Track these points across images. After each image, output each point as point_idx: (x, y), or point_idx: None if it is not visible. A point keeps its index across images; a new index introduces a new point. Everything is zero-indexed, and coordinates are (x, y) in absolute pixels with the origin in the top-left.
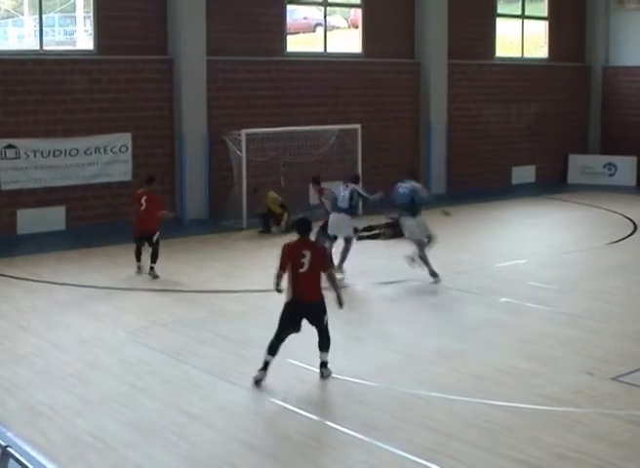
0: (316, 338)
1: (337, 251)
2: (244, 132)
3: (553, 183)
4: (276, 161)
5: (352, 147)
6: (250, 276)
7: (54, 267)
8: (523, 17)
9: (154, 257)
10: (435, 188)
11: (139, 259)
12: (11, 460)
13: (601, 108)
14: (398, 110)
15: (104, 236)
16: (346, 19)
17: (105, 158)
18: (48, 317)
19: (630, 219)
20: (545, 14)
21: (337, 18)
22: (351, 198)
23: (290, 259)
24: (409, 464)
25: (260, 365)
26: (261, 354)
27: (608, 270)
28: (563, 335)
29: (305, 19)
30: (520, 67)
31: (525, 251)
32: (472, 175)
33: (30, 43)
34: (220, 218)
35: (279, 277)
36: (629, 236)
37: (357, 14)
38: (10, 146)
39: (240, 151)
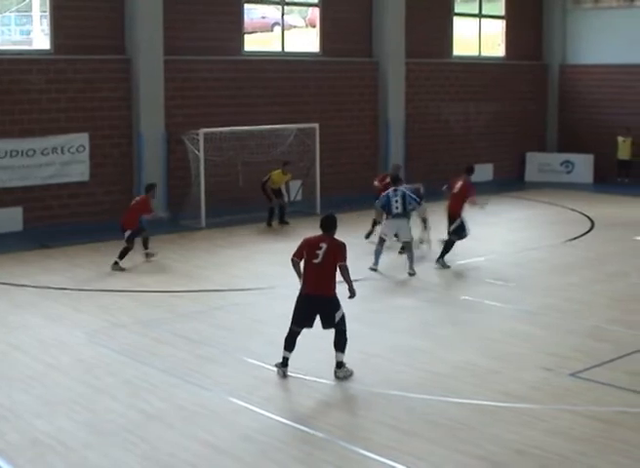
0: (275, 337)
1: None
2: (202, 131)
3: (511, 181)
4: (234, 160)
5: (311, 146)
6: (209, 276)
7: (11, 268)
8: (480, 16)
9: (121, 253)
10: None
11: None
12: None
13: (558, 106)
14: (357, 109)
15: (62, 237)
16: (304, 19)
17: (63, 158)
18: (6, 319)
19: (588, 217)
20: (502, 13)
21: (294, 17)
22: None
23: (306, 249)
24: (370, 462)
25: (281, 361)
26: (220, 354)
27: (565, 267)
28: (521, 332)
29: (263, 18)
30: (478, 66)
31: (483, 248)
32: (430, 173)
33: None
34: (178, 218)
35: (296, 264)
36: (586, 233)
37: (315, 13)
38: None
39: (198, 151)
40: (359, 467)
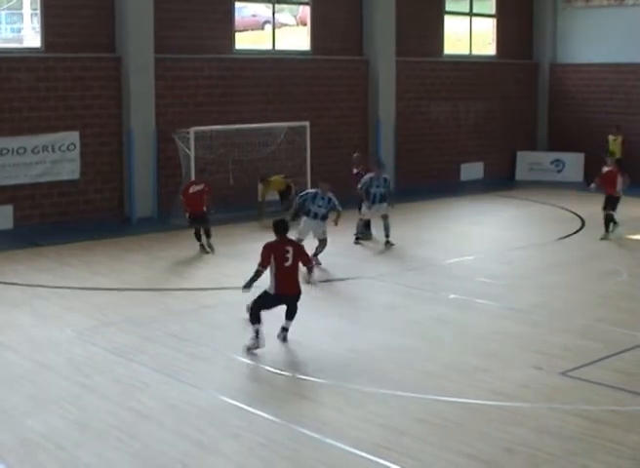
0: (266, 336)
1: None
2: (192, 130)
3: (501, 180)
4: (225, 159)
5: (301, 144)
6: (200, 274)
7: (1, 267)
8: (471, 14)
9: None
10: None
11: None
12: None
13: (548, 105)
14: (347, 107)
15: (53, 235)
16: (295, 17)
17: (53, 156)
18: None
19: (578, 215)
20: (493, 11)
21: (285, 15)
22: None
23: (273, 256)
24: (360, 460)
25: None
26: (211, 352)
27: (555, 266)
28: (511, 331)
29: (254, 16)
30: (468, 65)
31: (473, 247)
32: (421, 171)
33: None
34: (168, 217)
35: (259, 274)
36: (577, 232)
37: (305, 11)
38: None
39: (189, 149)
40: (348, 466)
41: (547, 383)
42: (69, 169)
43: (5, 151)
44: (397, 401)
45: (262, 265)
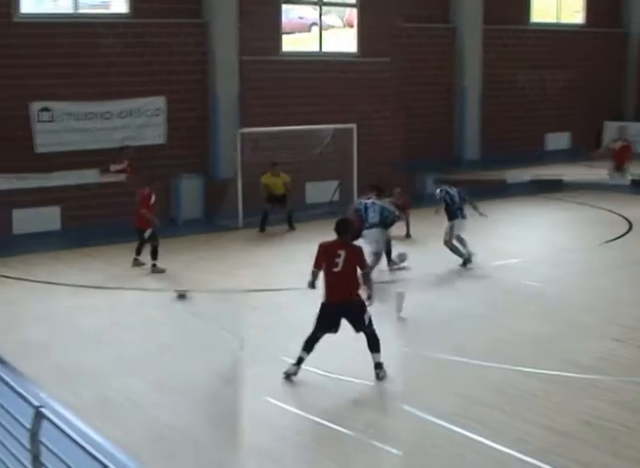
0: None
1: None
2: (239, 132)
3: (588, 150)
4: (271, 161)
5: (347, 147)
6: (246, 275)
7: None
8: None
9: (153, 254)
10: (469, 154)
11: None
12: (45, 421)
13: (637, 75)
14: (394, 109)
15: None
16: (341, 19)
17: (139, 121)
18: None
19: None
20: None
21: (332, 17)
22: (382, 213)
23: (324, 258)
24: (436, 429)
25: (295, 360)
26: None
27: None
28: (589, 303)
29: (301, 18)
30: (556, 33)
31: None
32: (506, 140)
33: (65, 6)
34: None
35: (315, 275)
36: None
37: (352, 13)
38: (45, 109)
39: (235, 150)
40: (426, 433)
41: (626, 356)
42: (155, 133)
43: (91, 116)
44: (473, 370)
45: (315, 266)
